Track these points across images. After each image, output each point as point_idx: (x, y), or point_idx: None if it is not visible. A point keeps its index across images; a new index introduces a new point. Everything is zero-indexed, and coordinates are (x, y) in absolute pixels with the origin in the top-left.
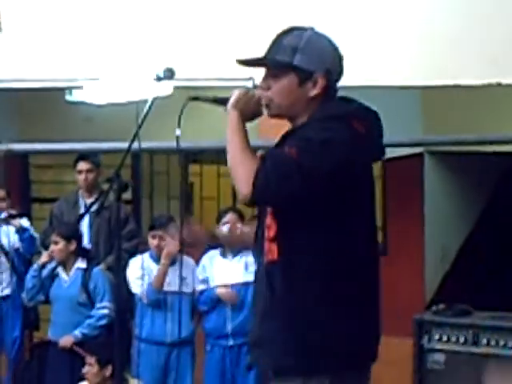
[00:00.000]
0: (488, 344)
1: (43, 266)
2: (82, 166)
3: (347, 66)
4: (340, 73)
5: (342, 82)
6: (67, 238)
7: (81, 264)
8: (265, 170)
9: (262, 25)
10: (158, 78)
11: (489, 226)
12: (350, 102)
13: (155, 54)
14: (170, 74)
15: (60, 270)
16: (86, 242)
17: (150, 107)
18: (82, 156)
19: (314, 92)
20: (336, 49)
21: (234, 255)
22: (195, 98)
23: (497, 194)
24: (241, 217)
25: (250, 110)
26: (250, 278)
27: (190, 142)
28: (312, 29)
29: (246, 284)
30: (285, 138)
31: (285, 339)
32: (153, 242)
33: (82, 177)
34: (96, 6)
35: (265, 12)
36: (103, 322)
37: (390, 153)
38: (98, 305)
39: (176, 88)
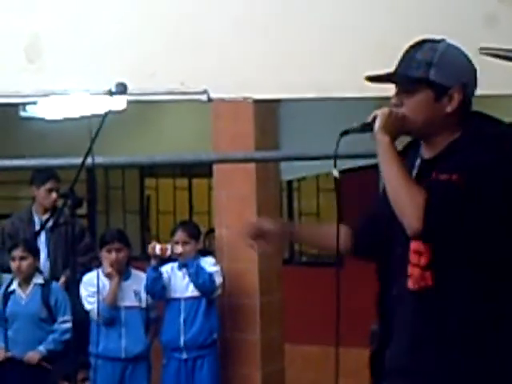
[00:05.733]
0: None
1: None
2: (53, 184)
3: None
4: (475, 86)
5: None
6: (34, 253)
7: (37, 279)
8: (434, 204)
9: (211, 39)
10: (111, 93)
11: None
12: (492, 118)
13: (108, 69)
14: (122, 88)
15: (16, 286)
16: (42, 259)
17: (102, 121)
18: (52, 174)
19: (450, 108)
20: (470, 61)
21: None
22: (345, 132)
23: None
24: (193, 233)
25: (397, 131)
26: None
27: (145, 156)
28: (444, 40)
29: (197, 298)
30: (433, 160)
31: (446, 366)
32: (109, 256)
33: (53, 195)
34: (47, 20)
35: (217, 27)
36: (67, 335)
37: (348, 164)
38: (60, 319)
39: (129, 102)
